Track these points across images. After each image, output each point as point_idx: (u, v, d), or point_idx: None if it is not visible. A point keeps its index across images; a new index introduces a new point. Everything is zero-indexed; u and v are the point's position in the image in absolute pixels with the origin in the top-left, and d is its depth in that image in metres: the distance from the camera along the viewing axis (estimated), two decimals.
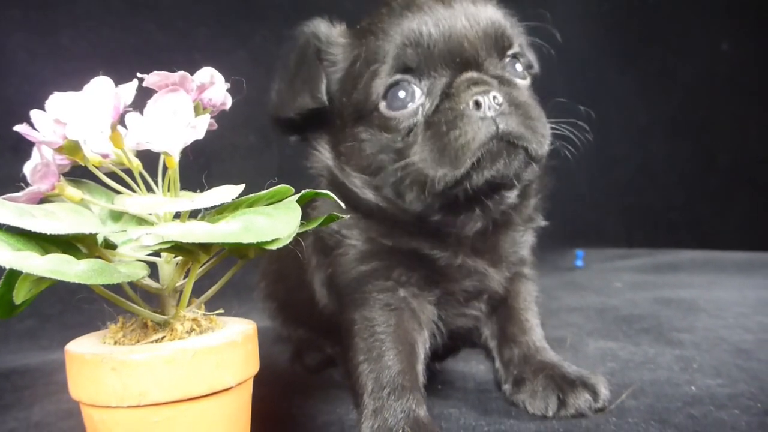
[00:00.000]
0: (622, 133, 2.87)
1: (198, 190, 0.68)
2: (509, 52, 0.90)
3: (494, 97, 0.81)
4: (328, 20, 0.98)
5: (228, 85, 0.69)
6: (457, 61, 0.85)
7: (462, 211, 0.89)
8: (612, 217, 2.95)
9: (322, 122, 0.97)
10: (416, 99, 0.86)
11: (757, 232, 2.67)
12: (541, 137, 0.84)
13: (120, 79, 0.64)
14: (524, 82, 0.92)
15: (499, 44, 0.88)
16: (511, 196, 0.92)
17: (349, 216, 0.92)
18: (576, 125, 0.91)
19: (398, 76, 0.87)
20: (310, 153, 0.99)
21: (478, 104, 0.81)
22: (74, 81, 0.65)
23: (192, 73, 0.65)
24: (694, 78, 2.88)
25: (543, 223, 1.05)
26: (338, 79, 0.94)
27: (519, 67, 0.92)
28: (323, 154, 0.97)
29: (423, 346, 0.94)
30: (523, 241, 1.01)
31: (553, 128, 0.88)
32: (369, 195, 0.91)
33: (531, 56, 1.01)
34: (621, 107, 2.87)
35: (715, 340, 1.26)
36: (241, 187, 0.64)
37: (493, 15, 0.89)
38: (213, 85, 0.67)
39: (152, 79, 0.62)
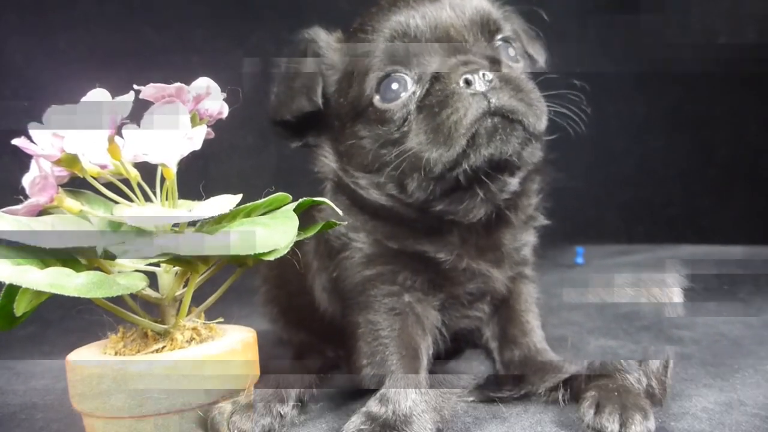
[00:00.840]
0: (620, 128, 2.87)
1: (196, 200, 0.69)
2: (498, 36, 0.91)
3: (484, 75, 0.81)
4: (325, 27, 0.99)
5: (224, 95, 0.69)
6: (445, 48, 0.86)
7: (465, 198, 0.88)
8: (611, 213, 2.95)
9: (322, 127, 0.97)
10: (408, 88, 0.87)
11: (757, 226, 2.67)
12: (537, 110, 0.84)
13: (117, 82, 0.64)
14: (517, 65, 0.92)
15: (486, 29, 0.89)
16: (513, 182, 0.92)
17: (354, 219, 0.93)
18: (572, 103, 0.90)
19: (389, 68, 0.88)
20: (316, 158, 1.00)
21: (468, 82, 0.81)
22: (72, 84, 0.65)
23: (189, 76, 0.66)
24: (692, 72, 2.88)
25: (544, 221, 1.05)
26: (335, 81, 0.95)
27: (511, 51, 0.92)
28: (328, 158, 0.97)
29: (426, 352, 0.94)
30: (525, 240, 1.01)
31: (549, 105, 0.88)
32: (374, 194, 0.92)
33: (536, 48, 1.00)
34: (619, 102, 2.86)
35: (715, 336, 1.27)
36: (239, 197, 0.64)
37: (478, 4, 0.90)
38: (209, 96, 0.67)
39: (149, 91, 0.62)
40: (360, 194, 0.93)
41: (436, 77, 0.84)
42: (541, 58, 1.02)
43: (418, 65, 0.87)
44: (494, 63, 0.85)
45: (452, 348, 1.10)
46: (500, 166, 0.86)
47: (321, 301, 1.05)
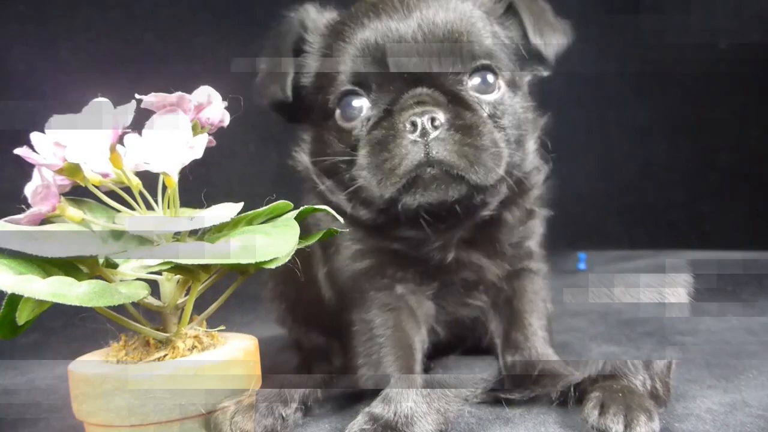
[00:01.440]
0: (621, 133, 2.87)
1: (197, 208, 0.69)
2: (476, 63, 0.85)
3: (433, 119, 0.78)
4: (319, 6, 0.96)
5: (225, 103, 0.69)
6: (406, 76, 0.82)
7: (426, 227, 0.87)
8: (613, 218, 2.95)
9: (307, 112, 0.96)
10: (363, 111, 0.86)
11: (759, 230, 2.66)
12: (483, 168, 0.80)
13: (120, 91, 0.64)
14: (492, 97, 0.86)
15: (458, 54, 0.83)
16: (485, 210, 0.90)
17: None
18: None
19: (349, 87, 0.85)
20: (293, 151, 0.99)
21: (414, 125, 0.78)
22: (74, 92, 0.66)
23: (191, 84, 0.66)
24: (693, 76, 2.88)
25: (546, 213, 1.03)
26: (314, 73, 0.93)
27: (490, 78, 0.87)
28: (301, 155, 0.97)
29: (421, 345, 0.93)
30: (526, 233, 1.00)
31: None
32: (341, 200, 0.91)
33: (546, 36, 0.93)
34: (620, 106, 2.86)
35: (718, 342, 1.26)
36: (240, 205, 0.65)
37: (457, 24, 0.84)
38: (210, 104, 0.67)
39: (150, 99, 0.63)
40: (329, 198, 0.92)
41: (388, 110, 0.82)
42: (550, 48, 0.93)
43: (378, 90, 0.84)
44: (456, 103, 0.81)
45: (455, 340, 1.08)
46: (450, 207, 0.84)
47: (326, 290, 1.04)
